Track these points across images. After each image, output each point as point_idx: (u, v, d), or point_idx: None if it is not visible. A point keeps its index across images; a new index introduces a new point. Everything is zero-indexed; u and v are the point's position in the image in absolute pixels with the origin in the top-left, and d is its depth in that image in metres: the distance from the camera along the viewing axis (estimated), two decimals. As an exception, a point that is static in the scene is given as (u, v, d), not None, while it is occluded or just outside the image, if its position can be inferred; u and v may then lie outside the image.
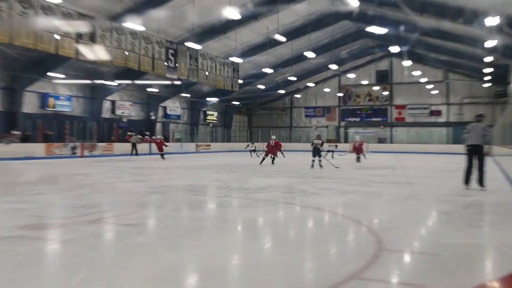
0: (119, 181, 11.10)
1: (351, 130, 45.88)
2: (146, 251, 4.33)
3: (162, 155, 23.54)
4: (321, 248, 4.52)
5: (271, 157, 19.22)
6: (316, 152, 16.32)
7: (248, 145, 28.78)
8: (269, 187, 9.74)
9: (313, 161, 16.40)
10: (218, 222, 5.84)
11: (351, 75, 43.49)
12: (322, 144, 16.63)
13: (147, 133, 32.14)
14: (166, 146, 24.55)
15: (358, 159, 20.69)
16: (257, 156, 26.91)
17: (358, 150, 21.18)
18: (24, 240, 4.70)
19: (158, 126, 36.83)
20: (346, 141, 43.57)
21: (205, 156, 29.62)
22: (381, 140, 43.52)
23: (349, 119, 46.46)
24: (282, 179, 11.74)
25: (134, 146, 26.59)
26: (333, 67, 37.33)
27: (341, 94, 46.72)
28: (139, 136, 28.89)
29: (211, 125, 44.16)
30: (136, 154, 26.52)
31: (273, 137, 19.98)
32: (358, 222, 5.79)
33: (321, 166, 16.25)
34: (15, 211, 6.50)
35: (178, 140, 37.60)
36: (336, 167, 16.15)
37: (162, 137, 27.10)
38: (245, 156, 28.62)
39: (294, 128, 49.12)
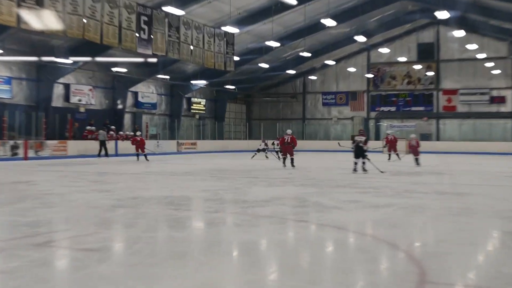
0: (75, 191, 11.27)
1: (384, 123, 45.87)
2: (111, 284, 4.34)
3: (145, 156, 25.10)
4: (344, 280, 4.53)
5: (283, 156, 19.82)
6: (360, 152, 16.84)
7: (261, 144, 28.95)
8: (275, 199, 9.91)
9: (356, 163, 16.88)
10: (207, 245, 5.91)
11: (384, 50, 43.47)
12: (366, 142, 17.18)
13: (113, 127, 32.21)
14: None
15: (416, 161, 20.91)
16: (266, 157, 27.04)
17: (415, 150, 21.34)
18: (-51, 270, 4.72)
19: (127, 118, 36.96)
20: (377, 137, 43.54)
21: (190, 157, 29.89)
22: (424, 137, 43.43)
23: (382, 109, 46.50)
24: (292, 189, 11.94)
25: (103, 144, 27.42)
26: (360, 39, 37.32)
27: (370, 76, 46.77)
28: (105, 132, 29.22)
29: (197, 116, 44.23)
30: (106, 154, 27.25)
31: (289, 131, 20.53)
32: (394, 246, 5.84)
33: (365, 170, 16.73)
34: None
35: (154, 137, 37.66)
36: (381, 171, 16.67)
37: (140, 133, 27.47)
38: (243, 158, 28.92)
39: (308, 120, 49.19)
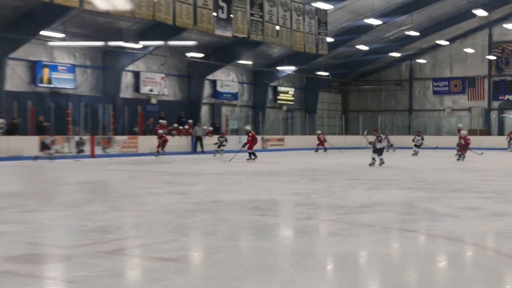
0: (148, 193, 11.73)
1: (510, 115, 44.11)
2: (190, 298, 4.32)
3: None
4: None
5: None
6: None
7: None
8: (377, 204, 9.95)
9: None
10: (298, 258, 5.95)
11: (511, 26, 41.36)
12: None
13: (190, 121, 32.68)
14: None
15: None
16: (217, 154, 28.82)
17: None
18: (14, 278, 5.02)
19: (204, 110, 37.67)
20: (501, 132, 42.04)
21: (277, 156, 30.10)
22: None
23: (507, 97, 44.59)
24: (397, 193, 11.96)
25: (199, 140, 30.62)
26: (480, 13, 36.06)
27: (492, 57, 44.95)
28: (205, 127, 31.70)
29: (285, 108, 44.55)
30: (202, 150, 30.39)
31: (248, 127, 25.58)
32: (523, 263, 5.60)
33: None
34: (0, 235, 7.08)
35: (235, 132, 38.06)
36: None
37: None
38: (339, 156, 28.80)
39: (415, 112, 48.37)
